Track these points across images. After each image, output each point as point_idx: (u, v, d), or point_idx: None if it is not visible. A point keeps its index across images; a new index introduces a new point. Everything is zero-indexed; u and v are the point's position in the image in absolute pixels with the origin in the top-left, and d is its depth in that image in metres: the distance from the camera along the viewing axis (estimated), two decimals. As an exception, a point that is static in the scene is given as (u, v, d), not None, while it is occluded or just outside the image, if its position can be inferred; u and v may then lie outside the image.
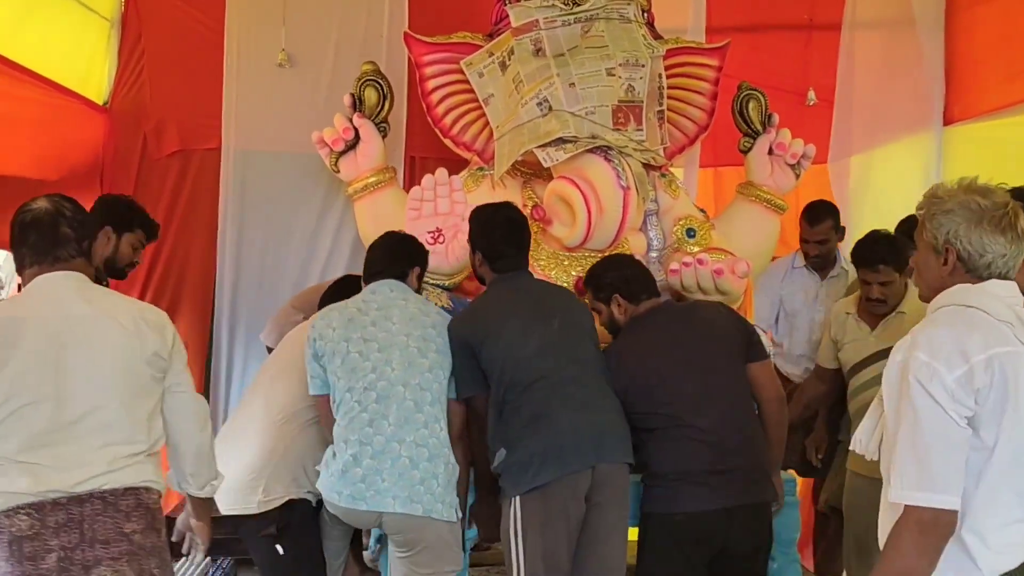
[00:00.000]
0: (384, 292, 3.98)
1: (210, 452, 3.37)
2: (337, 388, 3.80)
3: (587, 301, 4.18)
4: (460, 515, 3.81)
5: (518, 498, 3.65)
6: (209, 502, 3.48)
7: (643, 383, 3.83)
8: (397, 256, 4.11)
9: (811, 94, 6.01)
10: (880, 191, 6.08)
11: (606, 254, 4.53)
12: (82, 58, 5.48)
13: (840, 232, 5.52)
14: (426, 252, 4.23)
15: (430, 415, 3.75)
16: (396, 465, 3.65)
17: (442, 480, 3.71)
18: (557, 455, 3.62)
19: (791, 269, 5.63)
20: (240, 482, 3.91)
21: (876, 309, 4.59)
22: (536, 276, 4.57)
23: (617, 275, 4.08)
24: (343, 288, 4.42)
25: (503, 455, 3.72)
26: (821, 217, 5.45)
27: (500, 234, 4.05)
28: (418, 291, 4.16)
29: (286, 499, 3.99)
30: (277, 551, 4.01)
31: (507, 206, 4.19)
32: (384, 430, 3.68)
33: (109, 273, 4.26)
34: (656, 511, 3.75)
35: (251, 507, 3.96)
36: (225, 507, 3.82)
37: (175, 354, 3.21)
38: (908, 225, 5.17)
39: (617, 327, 4.10)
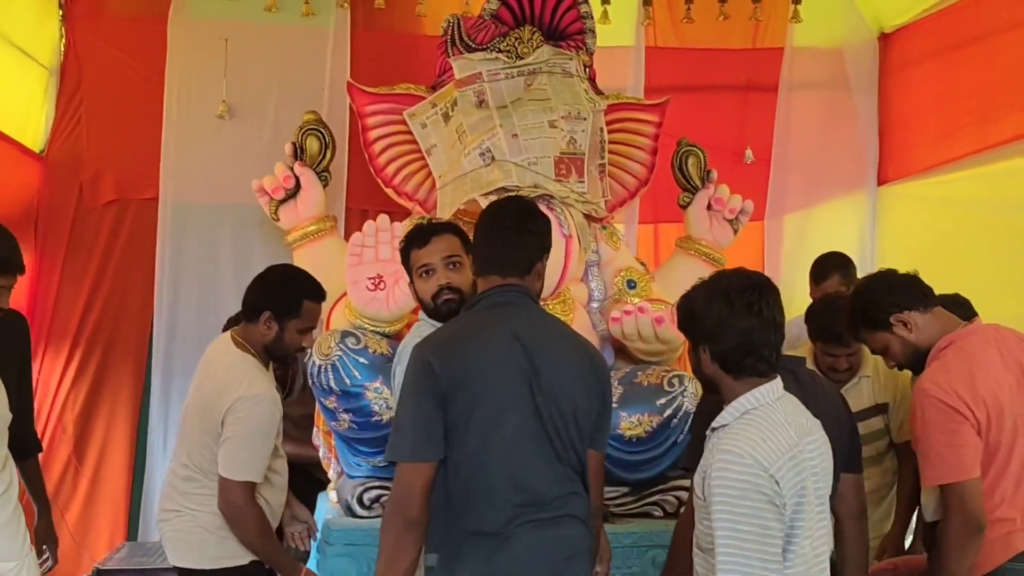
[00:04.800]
0: None
1: None
2: None
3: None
4: None
5: None
6: None
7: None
8: None
9: (748, 153, 6.11)
10: (815, 249, 6.12)
11: (547, 303, 4.52)
12: (19, 105, 5.44)
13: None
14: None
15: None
16: None
17: None
18: None
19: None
20: (192, 533, 3.72)
21: (838, 378, 4.46)
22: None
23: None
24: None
25: (434, 560, 2.94)
26: (826, 272, 5.12)
27: (496, 227, 3.15)
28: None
29: (249, 560, 3.67)
30: None
31: (521, 199, 3.57)
32: None
33: None
34: None
35: (204, 562, 3.70)
36: (176, 557, 3.72)
37: None
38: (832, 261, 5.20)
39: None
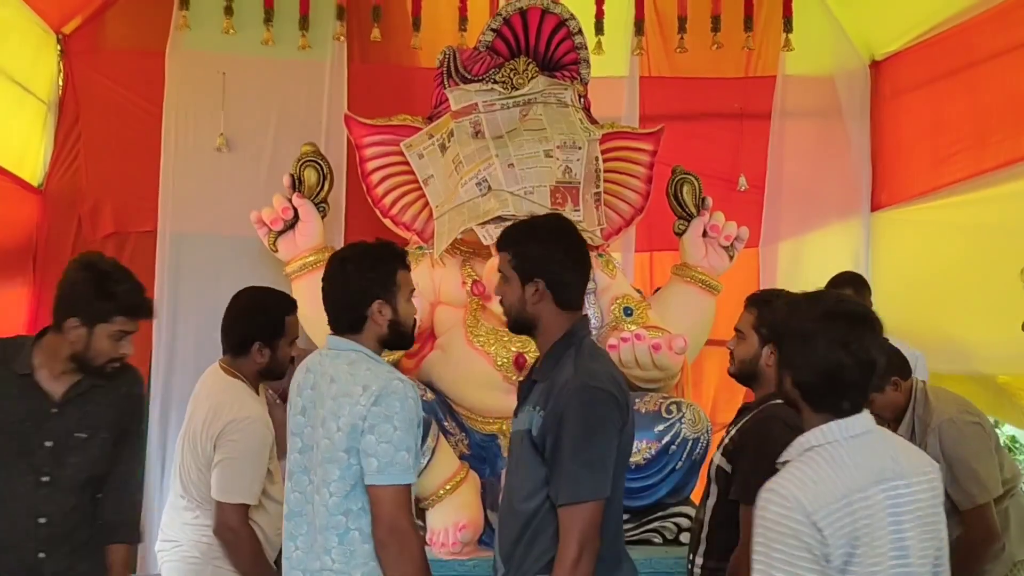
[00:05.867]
0: (325, 361, 3.17)
1: None
2: None
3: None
4: None
5: None
6: None
7: None
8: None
9: (742, 180, 6.16)
10: (810, 275, 6.18)
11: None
12: (17, 139, 5.45)
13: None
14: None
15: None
16: None
17: None
18: None
19: None
20: (188, 562, 3.75)
21: None
22: (476, 353, 4.62)
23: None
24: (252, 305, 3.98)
25: None
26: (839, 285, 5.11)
27: (581, 254, 3.06)
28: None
29: None
30: None
31: (565, 218, 3.34)
32: (291, 554, 3.15)
33: (84, 370, 3.32)
34: None
35: None
36: None
37: None
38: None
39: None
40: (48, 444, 3.25)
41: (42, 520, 3.26)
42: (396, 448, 2.95)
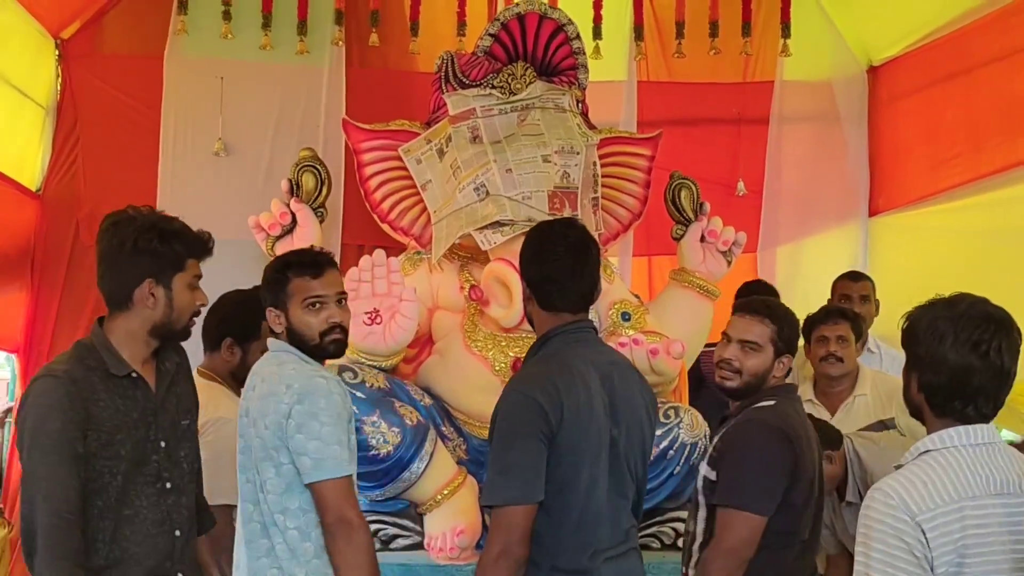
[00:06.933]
0: (263, 363, 3.26)
1: None
2: None
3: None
4: None
5: None
6: None
7: None
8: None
9: (740, 185, 6.17)
10: (808, 280, 6.22)
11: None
12: (16, 144, 5.47)
13: (875, 305, 5.40)
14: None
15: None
16: None
17: None
18: None
19: None
20: None
21: (831, 370, 4.61)
22: (474, 358, 4.61)
23: None
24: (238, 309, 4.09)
25: None
26: (862, 276, 5.48)
27: (558, 255, 3.09)
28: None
29: None
30: None
31: (568, 222, 3.34)
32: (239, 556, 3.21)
33: (167, 340, 3.12)
34: None
35: None
36: None
37: None
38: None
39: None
40: (163, 443, 3.03)
41: (178, 533, 3.06)
42: (326, 443, 3.00)
